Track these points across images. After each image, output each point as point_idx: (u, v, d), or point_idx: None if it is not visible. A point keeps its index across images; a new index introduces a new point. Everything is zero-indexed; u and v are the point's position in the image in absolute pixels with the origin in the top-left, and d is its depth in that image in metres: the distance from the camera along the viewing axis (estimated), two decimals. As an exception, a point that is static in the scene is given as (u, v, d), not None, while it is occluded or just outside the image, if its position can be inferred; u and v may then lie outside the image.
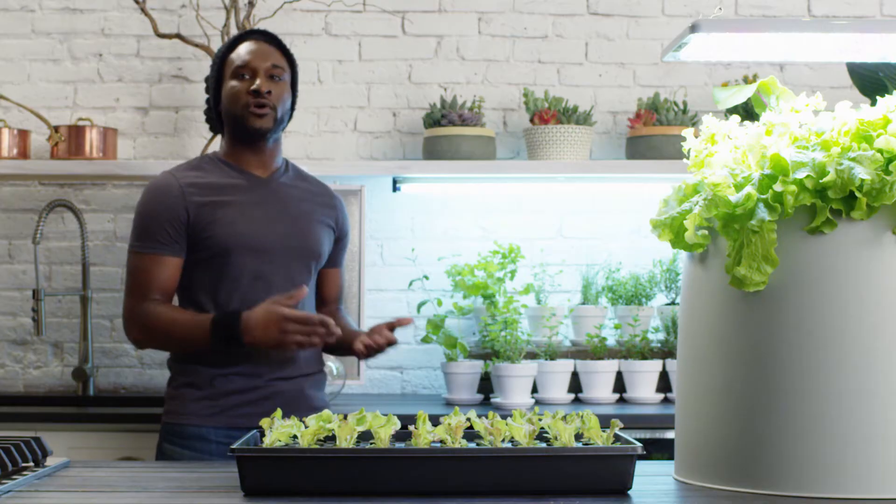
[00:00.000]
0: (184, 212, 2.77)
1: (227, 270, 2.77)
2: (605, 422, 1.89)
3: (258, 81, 2.79)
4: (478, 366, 3.55)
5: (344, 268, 3.06)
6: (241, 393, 2.76)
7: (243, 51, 2.84)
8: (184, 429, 2.78)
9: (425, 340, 3.59)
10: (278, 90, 2.81)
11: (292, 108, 2.90)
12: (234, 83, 2.82)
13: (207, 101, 2.93)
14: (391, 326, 2.78)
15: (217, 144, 3.91)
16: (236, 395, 2.76)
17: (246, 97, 2.79)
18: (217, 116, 2.90)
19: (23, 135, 3.73)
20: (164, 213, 2.78)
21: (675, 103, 3.77)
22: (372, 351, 2.76)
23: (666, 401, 3.56)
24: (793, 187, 1.74)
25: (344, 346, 2.85)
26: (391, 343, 2.77)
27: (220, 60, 2.87)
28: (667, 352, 3.63)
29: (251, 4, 3.68)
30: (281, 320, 2.63)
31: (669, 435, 3.20)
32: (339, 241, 2.98)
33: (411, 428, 1.84)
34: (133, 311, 2.78)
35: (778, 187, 1.75)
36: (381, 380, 3.91)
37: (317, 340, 2.65)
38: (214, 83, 2.88)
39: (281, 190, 2.87)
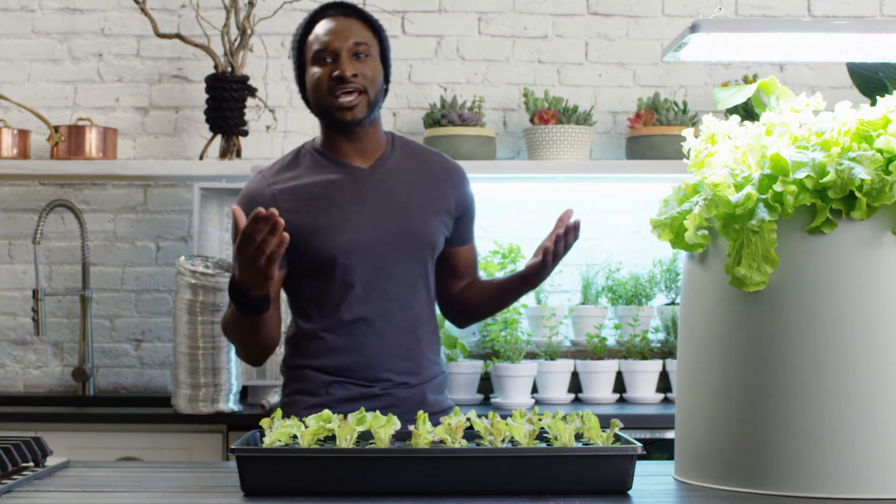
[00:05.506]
0: None
1: (335, 278, 2.51)
2: (605, 422, 1.89)
3: (341, 65, 2.51)
4: (478, 366, 3.55)
5: (474, 241, 2.74)
6: (358, 401, 2.47)
7: (321, 31, 2.54)
8: None
9: (425, 340, 3.59)
10: (366, 69, 2.53)
11: (387, 81, 2.62)
12: (315, 69, 2.53)
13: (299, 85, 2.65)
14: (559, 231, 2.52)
15: (216, 145, 3.91)
16: (352, 403, 2.45)
17: (330, 83, 2.51)
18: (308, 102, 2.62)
19: (23, 135, 3.73)
20: None
21: (675, 103, 3.77)
22: (559, 247, 2.51)
23: (666, 401, 3.56)
24: (793, 187, 1.74)
25: (524, 277, 2.61)
26: (571, 230, 2.53)
27: (299, 44, 2.59)
28: (667, 352, 3.63)
29: (251, 4, 3.68)
30: (240, 242, 2.19)
31: (669, 435, 3.20)
32: (461, 218, 2.66)
33: (411, 428, 1.84)
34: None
35: (778, 187, 1.75)
36: (381, 380, 3.91)
37: (261, 237, 2.13)
38: (297, 69, 2.61)
39: (386, 180, 2.58)
